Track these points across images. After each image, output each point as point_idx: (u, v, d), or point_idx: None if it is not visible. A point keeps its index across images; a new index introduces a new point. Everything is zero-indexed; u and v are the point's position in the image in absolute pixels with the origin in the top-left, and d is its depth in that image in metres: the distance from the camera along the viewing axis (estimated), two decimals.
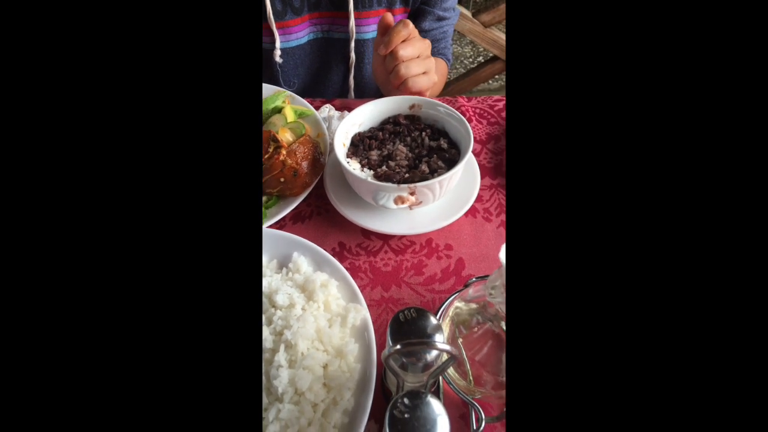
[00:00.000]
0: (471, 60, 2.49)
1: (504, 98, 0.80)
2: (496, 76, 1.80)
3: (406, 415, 0.28)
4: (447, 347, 0.31)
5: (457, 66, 2.40)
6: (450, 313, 0.43)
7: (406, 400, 0.30)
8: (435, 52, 0.92)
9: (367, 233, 0.60)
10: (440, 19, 0.89)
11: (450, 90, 1.77)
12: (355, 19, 0.81)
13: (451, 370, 0.42)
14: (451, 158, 0.59)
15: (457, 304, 0.43)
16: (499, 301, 0.34)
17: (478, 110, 0.77)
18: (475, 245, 0.59)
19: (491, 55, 1.74)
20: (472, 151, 0.66)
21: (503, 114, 0.77)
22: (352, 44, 0.84)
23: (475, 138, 0.66)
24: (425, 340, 0.33)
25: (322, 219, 0.62)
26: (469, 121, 0.76)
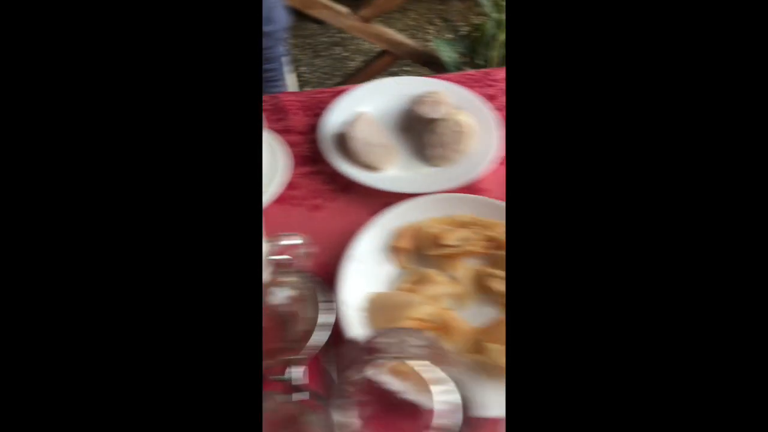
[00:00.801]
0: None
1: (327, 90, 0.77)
2: (389, 70, 1.79)
3: None
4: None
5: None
6: None
7: None
8: None
9: None
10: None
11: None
12: None
13: None
14: None
15: None
16: None
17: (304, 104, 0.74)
18: None
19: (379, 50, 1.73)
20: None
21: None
22: None
23: (296, 129, 0.63)
24: None
25: None
26: (295, 114, 0.72)
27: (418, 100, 0.69)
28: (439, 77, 0.77)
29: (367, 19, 1.64)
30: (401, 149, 0.67)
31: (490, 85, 0.76)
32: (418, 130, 0.68)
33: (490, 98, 0.74)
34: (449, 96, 0.70)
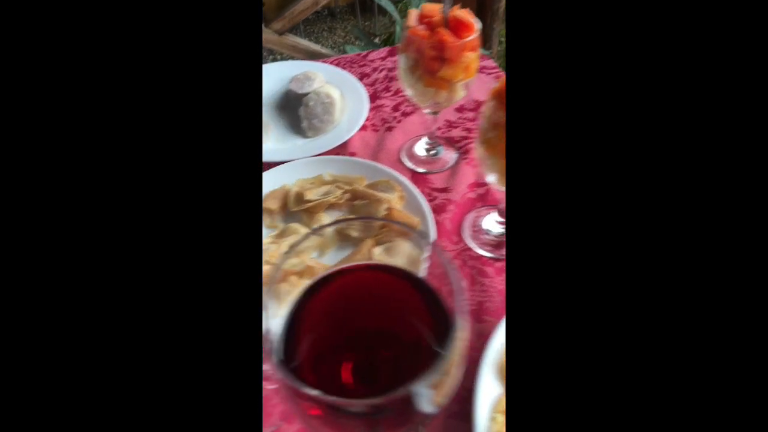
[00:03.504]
0: None
1: None
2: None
3: None
4: None
5: None
6: None
7: None
8: None
9: None
10: None
11: None
12: None
13: None
14: None
15: None
16: None
17: None
18: None
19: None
20: None
21: None
22: None
23: None
24: None
25: None
26: None
27: (293, 78, 0.73)
28: (315, 60, 0.82)
29: (281, 32, 1.69)
30: (277, 125, 0.71)
31: (365, 65, 0.82)
32: (293, 106, 0.72)
33: (364, 76, 0.80)
34: (321, 74, 0.74)
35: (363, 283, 0.36)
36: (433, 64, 0.50)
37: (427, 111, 0.59)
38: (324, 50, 1.76)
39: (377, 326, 0.33)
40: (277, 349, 0.28)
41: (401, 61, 0.54)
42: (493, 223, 0.56)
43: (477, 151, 0.47)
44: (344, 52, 1.92)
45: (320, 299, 0.33)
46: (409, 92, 0.56)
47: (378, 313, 0.33)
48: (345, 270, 0.35)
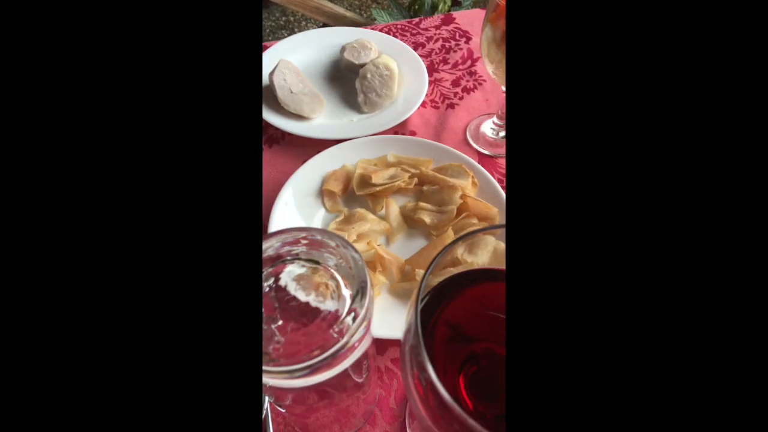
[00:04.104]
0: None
1: None
2: None
3: None
4: None
5: None
6: None
7: None
8: None
9: None
10: None
11: None
12: None
13: None
14: None
15: None
16: None
17: None
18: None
19: (321, 23, 1.69)
20: None
21: None
22: None
23: None
24: None
25: None
26: None
27: (346, 47, 0.68)
28: (365, 27, 0.76)
29: None
30: (330, 98, 0.66)
31: (419, 33, 0.76)
32: (347, 78, 0.67)
33: (418, 46, 0.74)
34: (375, 43, 0.69)
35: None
36: None
37: (505, 89, 0.54)
38: (349, 14, 1.67)
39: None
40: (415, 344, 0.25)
41: (486, 33, 0.49)
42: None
43: None
44: (371, 17, 1.83)
45: (464, 297, 0.30)
46: (490, 68, 0.51)
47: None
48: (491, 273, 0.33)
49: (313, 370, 0.23)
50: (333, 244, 0.27)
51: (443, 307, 0.29)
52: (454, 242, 0.28)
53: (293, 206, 0.52)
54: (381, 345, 0.43)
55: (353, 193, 0.54)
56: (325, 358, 0.23)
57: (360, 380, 0.34)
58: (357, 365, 0.29)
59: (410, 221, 0.52)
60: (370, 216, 0.51)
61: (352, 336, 0.24)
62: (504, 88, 0.54)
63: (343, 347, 0.23)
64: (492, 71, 0.51)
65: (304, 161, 0.55)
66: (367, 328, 0.25)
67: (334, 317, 0.25)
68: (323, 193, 0.54)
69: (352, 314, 0.24)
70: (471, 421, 0.22)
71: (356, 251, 0.27)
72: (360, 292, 0.25)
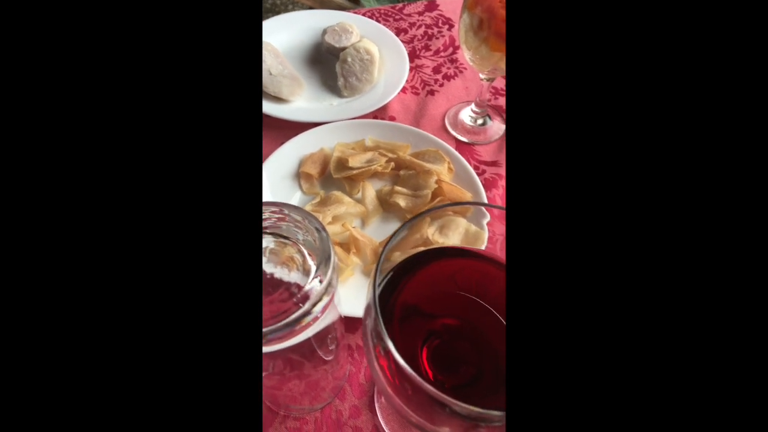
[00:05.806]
0: None
1: None
2: None
3: None
4: None
5: None
6: None
7: None
8: None
9: None
10: None
11: None
12: None
13: None
14: None
15: None
16: None
17: None
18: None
19: (307, 7, 1.67)
20: None
21: None
22: None
23: None
24: None
25: None
26: None
27: (327, 30, 0.68)
28: (348, 11, 0.76)
29: None
30: (310, 81, 0.66)
31: (401, 19, 0.76)
32: (327, 61, 0.67)
33: (401, 31, 0.74)
34: (358, 27, 0.68)
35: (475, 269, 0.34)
36: (504, 26, 0.46)
37: (483, 77, 0.55)
38: None
39: (466, 316, 0.31)
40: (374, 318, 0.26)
41: (464, 20, 0.49)
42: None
43: None
44: (358, 2, 1.81)
45: (425, 274, 0.31)
46: (467, 54, 0.51)
47: (470, 304, 0.31)
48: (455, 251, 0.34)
49: (278, 337, 0.24)
50: (299, 218, 0.28)
51: (404, 283, 0.30)
52: (417, 216, 0.28)
53: (269, 188, 0.52)
54: (352, 324, 0.44)
55: (330, 176, 0.54)
56: (288, 324, 0.23)
57: (329, 357, 0.35)
58: (323, 336, 0.30)
59: (386, 205, 0.52)
60: (347, 199, 0.52)
61: (315, 305, 0.24)
62: (482, 76, 0.55)
63: (306, 313, 0.24)
64: (469, 58, 0.52)
65: (282, 143, 0.55)
66: (331, 298, 0.26)
67: (298, 287, 0.26)
68: (300, 176, 0.54)
69: (316, 281, 0.25)
70: (427, 386, 0.23)
71: (320, 223, 0.27)
72: (324, 262, 0.26)
